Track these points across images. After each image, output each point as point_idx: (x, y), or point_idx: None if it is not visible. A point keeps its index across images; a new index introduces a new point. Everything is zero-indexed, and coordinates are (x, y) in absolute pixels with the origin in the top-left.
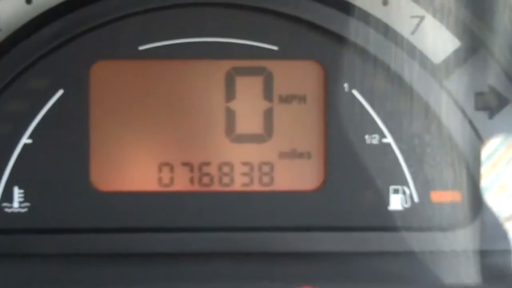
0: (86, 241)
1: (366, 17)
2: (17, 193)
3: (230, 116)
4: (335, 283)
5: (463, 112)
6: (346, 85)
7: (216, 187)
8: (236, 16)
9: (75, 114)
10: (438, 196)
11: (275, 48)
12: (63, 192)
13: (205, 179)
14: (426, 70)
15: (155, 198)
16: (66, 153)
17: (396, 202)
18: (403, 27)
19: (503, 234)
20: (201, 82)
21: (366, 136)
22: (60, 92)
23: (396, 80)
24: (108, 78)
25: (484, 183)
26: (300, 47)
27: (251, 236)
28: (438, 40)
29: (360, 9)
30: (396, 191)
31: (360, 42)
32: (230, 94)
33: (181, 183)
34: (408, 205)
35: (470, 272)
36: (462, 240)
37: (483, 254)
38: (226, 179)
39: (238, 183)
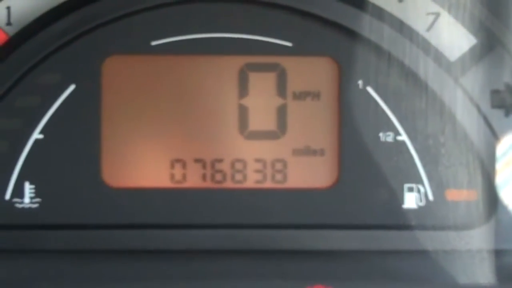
0: (97, 238)
1: (381, 14)
2: (28, 188)
3: (243, 112)
4: (348, 282)
5: (479, 109)
6: (360, 82)
7: (228, 184)
8: (250, 11)
9: (86, 109)
10: (453, 195)
11: (289, 44)
12: (74, 188)
13: (218, 176)
14: (441, 68)
15: (167, 195)
16: (77, 149)
17: (410, 201)
18: (419, 24)
19: None
20: (214, 78)
21: (381, 134)
22: (72, 87)
23: (411, 77)
24: (120, 73)
25: (499, 181)
26: (314, 43)
27: (263, 234)
28: (454, 37)
29: (375, 5)
30: (410, 189)
31: (375, 39)
32: (243, 90)
33: (194, 179)
34: (422, 204)
35: (485, 272)
36: (477, 239)
37: (498, 254)
38: (238, 176)
39: (251, 180)
